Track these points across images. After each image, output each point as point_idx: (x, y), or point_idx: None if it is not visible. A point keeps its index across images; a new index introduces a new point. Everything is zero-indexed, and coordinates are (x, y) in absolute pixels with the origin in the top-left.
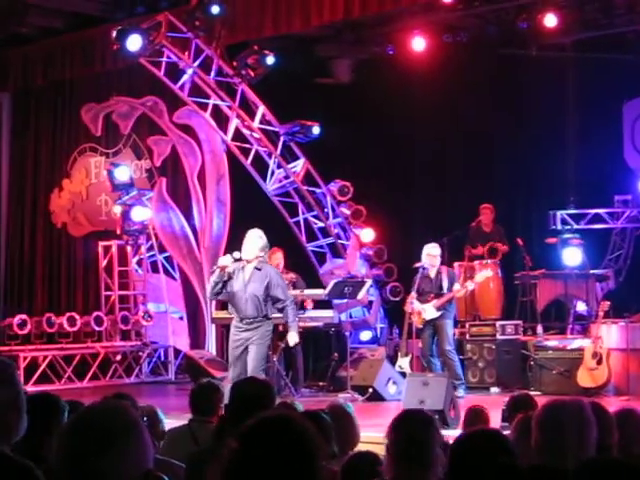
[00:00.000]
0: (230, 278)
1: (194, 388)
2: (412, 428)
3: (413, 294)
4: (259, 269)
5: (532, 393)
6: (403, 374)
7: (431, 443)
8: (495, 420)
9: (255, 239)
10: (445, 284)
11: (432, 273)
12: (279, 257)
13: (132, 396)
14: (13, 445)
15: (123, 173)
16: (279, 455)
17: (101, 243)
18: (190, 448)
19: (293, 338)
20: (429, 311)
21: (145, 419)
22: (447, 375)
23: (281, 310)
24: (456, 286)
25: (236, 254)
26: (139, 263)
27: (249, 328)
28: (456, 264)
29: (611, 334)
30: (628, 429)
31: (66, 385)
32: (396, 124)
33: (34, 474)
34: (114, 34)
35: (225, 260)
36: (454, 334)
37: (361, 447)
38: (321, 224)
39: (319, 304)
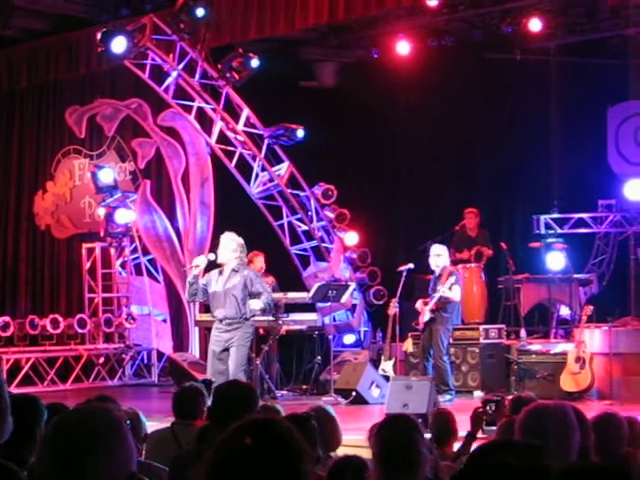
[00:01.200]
0: (206, 283)
1: (177, 391)
2: (396, 433)
3: (396, 298)
4: (236, 271)
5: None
6: (386, 378)
7: (415, 447)
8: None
9: (227, 242)
10: (440, 287)
11: (437, 273)
12: (260, 260)
13: (115, 399)
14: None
15: (107, 175)
16: (263, 459)
17: (85, 245)
18: (173, 451)
19: (255, 304)
20: (426, 313)
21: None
22: (431, 379)
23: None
24: (440, 288)
25: (211, 255)
26: (123, 265)
27: (229, 329)
28: (460, 267)
29: (594, 338)
30: (608, 434)
31: (49, 387)
32: (381, 128)
33: (18, 476)
34: (99, 36)
35: (198, 260)
36: (448, 341)
37: (344, 450)
38: (305, 227)
39: (303, 307)
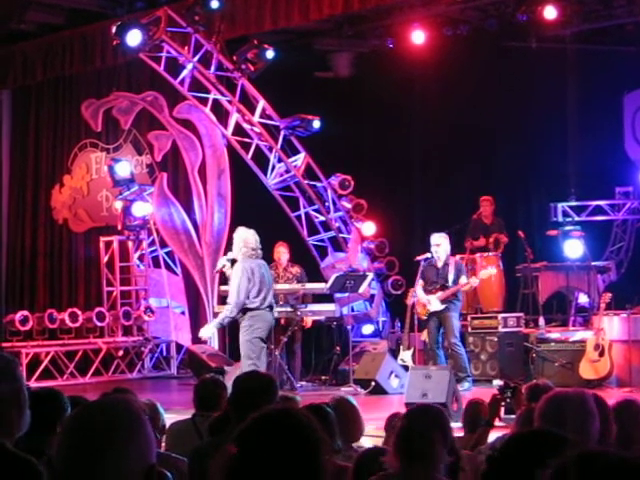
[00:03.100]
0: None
1: (198, 383)
2: (412, 426)
3: (418, 284)
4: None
5: None
6: (405, 367)
7: (430, 442)
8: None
9: (235, 239)
10: (451, 276)
11: (439, 263)
12: (283, 251)
13: (132, 390)
14: (16, 441)
15: (124, 168)
16: (281, 449)
17: (102, 239)
18: (195, 442)
19: (206, 331)
20: (434, 303)
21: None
22: (449, 368)
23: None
24: (463, 279)
25: (229, 254)
26: (140, 258)
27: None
28: (458, 257)
29: (613, 326)
30: (627, 420)
31: (68, 381)
32: (396, 117)
33: (36, 469)
34: (114, 29)
35: (219, 264)
36: (460, 326)
37: (364, 441)
38: (322, 218)
39: (321, 298)
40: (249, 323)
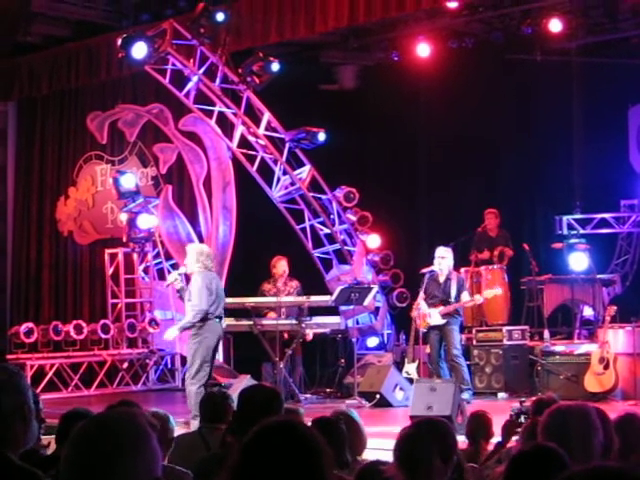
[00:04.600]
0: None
1: (205, 396)
2: (411, 441)
3: (420, 298)
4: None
5: None
6: (410, 380)
7: (427, 457)
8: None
9: (190, 253)
10: (453, 292)
11: (441, 278)
12: (283, 265)
13: (137, 403)
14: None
15: (129, 181)
16: (283, 460)
17: (107, 251)
18: (202, 454)
19: (169, 334)
20: (434, 317)
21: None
22: (455, 381)
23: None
24: (465, 296)
25: (181, 269)
26: (145, 270)
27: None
28: (462, 269)
29: (618, 339)
30: (630, 434)
31: (73, 393)
32: (401, 130)
33: None
34: (119, 42)
35: (170, 278)
36: (461, 339)
37: (368, 454)
38: (327, 230)
39: (326, 310)
40: (200, 332)
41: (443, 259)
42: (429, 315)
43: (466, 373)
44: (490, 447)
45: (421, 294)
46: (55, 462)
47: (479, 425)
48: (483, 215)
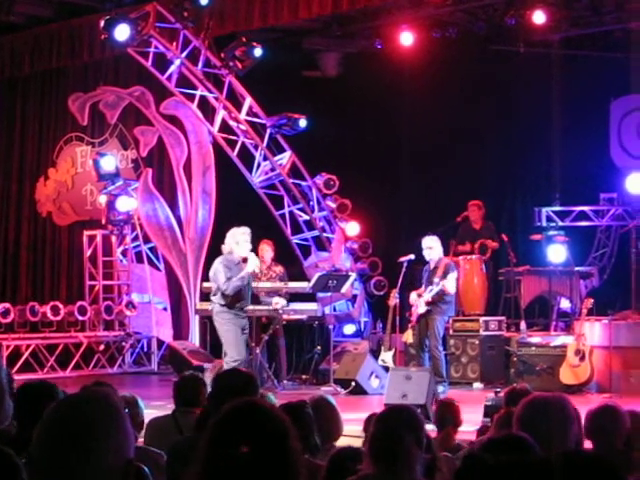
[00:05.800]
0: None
1: (178, 379)
2: (385, 428)
3: (397, 289)
4: None
5: None
6: (386, 368)
7: (402, 443)
8: (478, 416)
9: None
10: (437, 279)
11: (431, 265)
12: (267, 249)
13: (112, 385)
14: (4, 433)
15: (109, 163)
16: (249, 440)
17: (86, 232)
18: (175, 438)
19: None
20: (420, 306)
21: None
22: (430, 370)
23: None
24: (445, 283)
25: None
26: (124, 253)
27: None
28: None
29: (594, 331)
30: (608, 425)
31: (49, 374)
32: (383, 118)
33: (12, 461)
34: (102, 24)
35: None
36: (444, 331)
37: (343, 441)
38: (306, 217)
39: (303, 297)
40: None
41: (431, 249)
42: (418, 305)
43: (442, 366)
44: (458, 435)
45: (422, 288)
46: (26, 444)
47: (448, 413)
48: (463, 204)
